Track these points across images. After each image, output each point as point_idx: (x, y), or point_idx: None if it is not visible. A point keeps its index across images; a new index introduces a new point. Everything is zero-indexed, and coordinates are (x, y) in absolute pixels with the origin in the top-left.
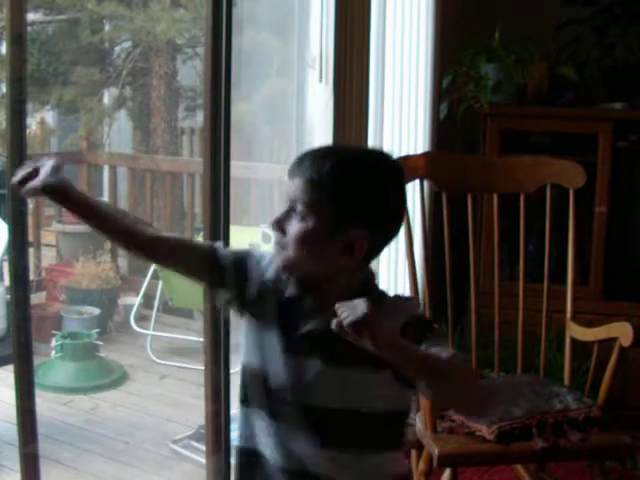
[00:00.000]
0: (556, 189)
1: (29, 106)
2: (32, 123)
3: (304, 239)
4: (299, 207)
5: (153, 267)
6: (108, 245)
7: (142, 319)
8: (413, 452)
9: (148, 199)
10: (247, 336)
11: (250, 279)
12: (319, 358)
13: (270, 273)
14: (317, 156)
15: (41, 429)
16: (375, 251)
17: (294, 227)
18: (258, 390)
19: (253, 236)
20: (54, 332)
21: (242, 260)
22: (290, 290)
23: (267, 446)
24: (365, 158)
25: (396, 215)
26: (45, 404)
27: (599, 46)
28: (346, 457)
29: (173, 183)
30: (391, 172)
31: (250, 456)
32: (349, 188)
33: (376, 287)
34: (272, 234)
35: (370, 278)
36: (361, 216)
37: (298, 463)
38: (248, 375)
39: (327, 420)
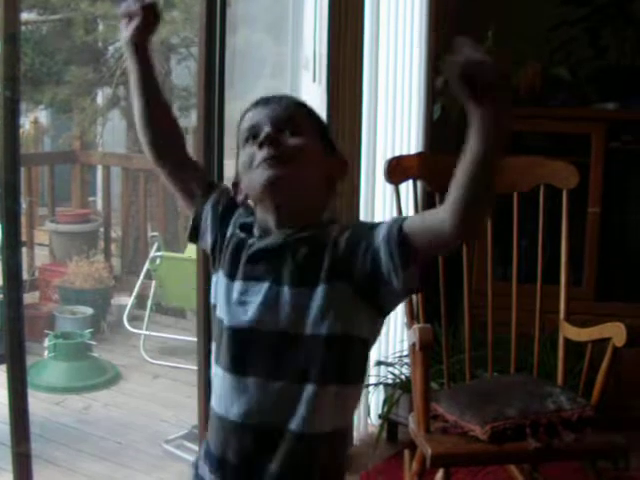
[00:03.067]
0: (549, 189)
1: (23, 105)
2: (26, 122)
3: (307, 151)
4: (288, 125)
5: (146, 267)
6: (101, 245)
7: (135, 319)
8: (406, 452)
9: (141, 199)
10: (214, 287)
11: (228, 226)
12: (269, 278)
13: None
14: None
15: (34, 429)
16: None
17: (295, 140)
18: (219, 339)
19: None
20: (47, 332)
21: (229, 205)
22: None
23: (224, 402)
24: None
25: None
26: (38, 404)
27: (592, 47)
28: (298, 389)
29: None
30: None
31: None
32: (315, 113)
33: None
34: (258, 151)
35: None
36: (333, 148)
37: (252, 413)
38: (215, 327)
39: (279, 346)
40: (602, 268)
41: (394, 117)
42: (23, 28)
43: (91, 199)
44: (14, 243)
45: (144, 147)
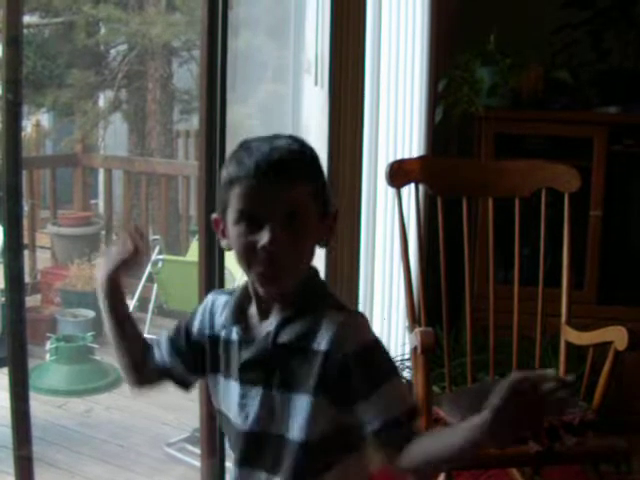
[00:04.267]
0: (551, 193)
1: (25, 108)
2: (27, 125)
3: (310, 242)
4: (288, 219)
5: (148, 270)
6: (103, 248)
7: (137, 322)
8: None
9: (143, 202)
10: (212, 390)
11: (197, 342)
12: (260, 384)
13: (219, 322)
14: (266, 155)
15: (35, 432)
16: None
17: (294, 235)
18: (228, 433)
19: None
20: (49, 335)
21: (182, 334)
22: (230, 327)
23: None
24: (297, 143)
25: None
26: (39, 407)
27: (594, 50)
28: None
29: (168, 186)
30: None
31: None
32: (315, 170)
33: (320, 287)
34: (256, 249)
35: (316, 275)
36: (327, 195)
37: None
38: (223, 423)
39: (278, 447)
40: (604, 271)
41: (396, 120)
42: (25, 31)
43: (93, 202)
44: (16, 246)
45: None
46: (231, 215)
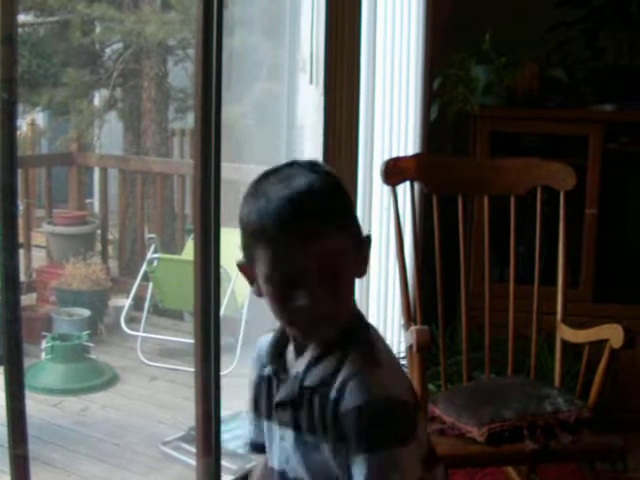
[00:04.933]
0: (546, 191)
1: (20, 107)
2: (23, 124)
3: (350, 284)
4: (327, 278)
5: (143, 269)
6: (98, 247)
7: (132, 321)
8: None
9: (139, 201)
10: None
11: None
12: (292, 425)
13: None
14: (288, 207)
15: (31, 431)
16: None
17: (333, 288)
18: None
19: None
20: (44, 334)
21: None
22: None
23: None
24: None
25: None
26: (35, 405)
27: (589, 48)
28: None
29: (164, 185)
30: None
31: None
32: (345, 208)
33: (358, 329)
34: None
35: (359, 317)
36: (359, 226)
37: None
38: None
39: None
40: (599, 269)
41: (391, 118)
42: (20, 30)
43: (88, 201)
44: (11, 245)
45: None
46: (260, 274)
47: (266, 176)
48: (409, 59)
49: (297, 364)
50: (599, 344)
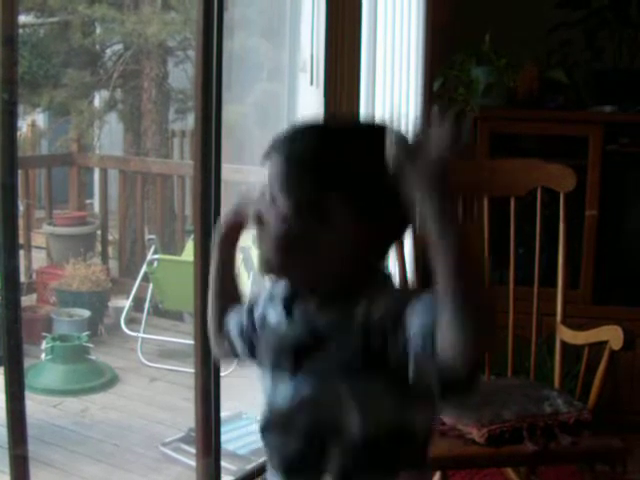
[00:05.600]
0: (546, 192)
1: (20, 108)
2: (23, 125)
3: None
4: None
5: (143, 269)
6: (98, 247)
7: (132, 322)
8: None
9: (139, 201)
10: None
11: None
12: (308, 371)
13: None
14: (277, 156)
15: (31, 431)
16: None
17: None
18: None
19: (243, 239)
20: (44, 334)
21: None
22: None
23: None
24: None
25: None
26: (35, 406)
27: (589, 49)
28: None
29: (164, 185)
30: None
31: None
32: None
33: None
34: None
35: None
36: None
37: None
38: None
39: (324, 445)
40: (599, 271)
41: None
42: (20, 31)
43: (88, 202)
44: (11, 246)
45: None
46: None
47: (301, 125)
48: (409, 60)
49: (305, 310)
50: (599, 346)
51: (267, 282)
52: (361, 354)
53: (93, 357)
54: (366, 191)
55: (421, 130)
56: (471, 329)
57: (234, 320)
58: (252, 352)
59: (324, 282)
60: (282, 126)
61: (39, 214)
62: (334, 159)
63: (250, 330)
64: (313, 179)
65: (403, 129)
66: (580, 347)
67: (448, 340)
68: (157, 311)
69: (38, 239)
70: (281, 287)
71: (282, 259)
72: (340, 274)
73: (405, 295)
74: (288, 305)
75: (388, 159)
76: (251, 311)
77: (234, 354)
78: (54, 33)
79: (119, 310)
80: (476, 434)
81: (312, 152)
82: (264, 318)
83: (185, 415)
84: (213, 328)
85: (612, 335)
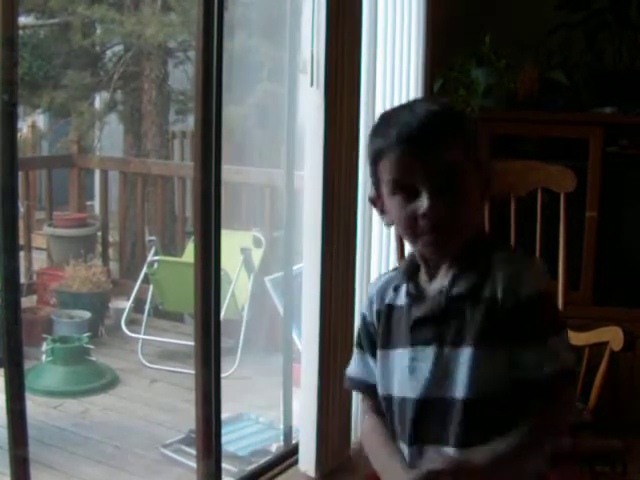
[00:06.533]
0: (547, 193)
1: (20, 109)
2: (23, 126)
3: (471, 200)
4: (446, 185)
5: (144, 271)
6: (99, 249)
7: (133, 323)
8: None
9: (139, 203)
10: (380, 371)
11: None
12: (433, 342)
13: (389, 295)
14: (407, 122)
15: (31, 432)
16: None
17: (453, 197)
18: (393, 414)
19: (244, 241)
20: (45, 336)
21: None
22: (399, 291)
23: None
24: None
25: None
26: (35, 408)
27: (589, 51)
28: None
29: (164, 187)
30: None
31: None
32: (460, 126)
33: (487, 244)
34: (416, 216)
35: (482, 232)
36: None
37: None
38: (388, 407)
39: (443, 414)
40: (599, 272)
41: None
42: (21, 32)
43: (89, 203)
44: (12, 247)
45: None
46: (385, 188)
47: (388, 111)
48: (409, 61)
49: (433, 285)
50: (599, 347)
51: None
52: (484, 326)
53: (93, 358)
54: (477, 148)
55: None
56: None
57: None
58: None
59: (465, 239)
60: (282, 127)
61: (39, 215)
62: (455, 113)
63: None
64: (462, 124)
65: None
66: (580, 348)
67: None
68: (157, 312)
69: (38, 240)
70: (386, 281)
71: (447, 212)
72: (475, 227)
73: (518, 278)
74: (411, 279)
75: None
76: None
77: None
78: (54, 34)
79: (119, 311)
80: None
81: (441, 109)
82: (383, 309)
83: (185, 416)
84: None
85: (612, 336)
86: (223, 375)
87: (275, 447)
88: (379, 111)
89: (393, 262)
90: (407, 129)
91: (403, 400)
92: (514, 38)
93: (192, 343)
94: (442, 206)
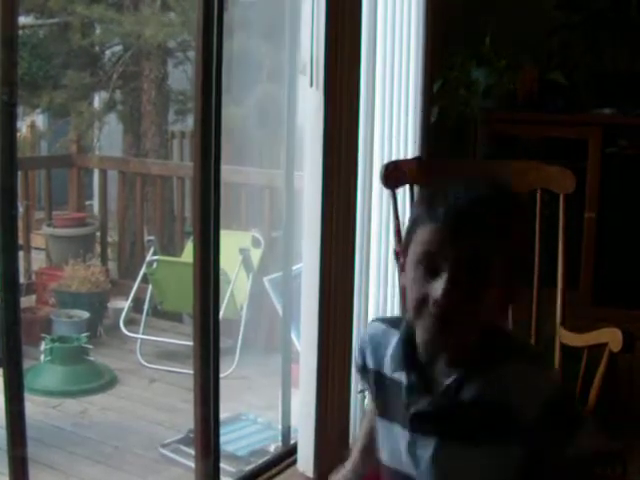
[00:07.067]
0: (546, 194)
1: (20, 109)
2: (22, 126)
3: (490, 299)
4: (471, 275)
5: (143, 271)
6: (98, 249)
7: (131, 323)
8: None
9: (138, 203)
10: (379, 433)
11: (368, 374)
12: (434, 435)
13: (386, 360)
14: (456, 202)
15: (30, 432)
16: None
17: (470, 290)
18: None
19: (243, 241)
20: (43, 335)
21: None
22: (402, 374)
23: None
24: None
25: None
26: (34, 407)
27: (589, 52)
28: None
29: (163, 187)
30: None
31: None
32: (504, 229)
33: (503, 343)
34: (430, 291)
35: (498, 332)
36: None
37: None
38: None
39: None
40: (599, 273)
41: (391, 122)
42: (20, 32)
43: (88, 203)
44: (11, 247)
45: None
46: (411, 255)
47: (454, 184)
48: (409, 62)
49: (436, 373)
50: (598, 348)
51: None
52: (501, 431)
53: (92, 358)
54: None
55: None
56: None
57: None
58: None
59: (473, 339)
60: (282, 128)
61: (38, 215)
62: (508, 213)
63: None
64: (508, 229)
65: None
66: (579, 349)
67: None
68: (156, 312)
69: (37, 240)
70: (389, 338)
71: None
72: (492, 328)
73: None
74: (410, 367)
75: None
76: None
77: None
78: (54, 34)
79: (118, 311)
80: None
81: (496, 204)
82: (379, 370)
83: (184, 416)
84: None
85: (611, 337)
86: (222, 375)
87: (273, 447)
88: (378, 112)
89: (392, 262)
90: (452, 208)
91: (392, 470)
92: (514, 38)
93: (191, 343)
94: (458, 299)
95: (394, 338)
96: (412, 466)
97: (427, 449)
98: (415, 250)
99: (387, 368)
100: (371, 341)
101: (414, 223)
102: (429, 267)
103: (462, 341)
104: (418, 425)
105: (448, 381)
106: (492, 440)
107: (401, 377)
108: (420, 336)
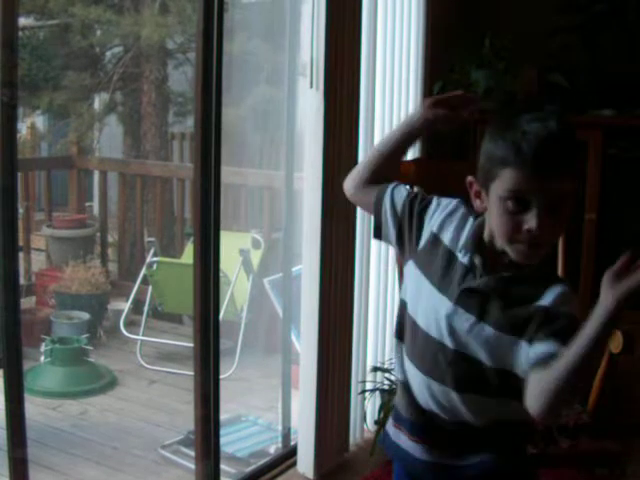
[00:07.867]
0: None
1: (20, 110)
2: (22, 128)
3: (561, 232)
4: (557, 206)
5: (143, 272)
6: (98, 250)
7: (132, 324)
8: None
9: (138, 204)
10: (408, 276)
11: (424, 227)
12: (474, 313)
13: (449, 232)
14: (544, 145)
15: (30, 434)
16: None
17: (555, 223)
18: (409, 332)
19: (243, 242)
20: (43, 337)
21: (420, 206)
22: (465, 256)
23: (413, 383)
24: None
25: None
26: (34, 409)
27: (589, 53)
28: (481, 400)
29: (163, 188)
30: None
31: (404, 387)
32: (579, 166)
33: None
34: (520, 226)
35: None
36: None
37: (433, 404)
38: (403, 314)
39: (471, 369)
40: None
41: (391, 123)
42: (20, 33)
43: (88, 204)
44: (11, 248)
45: (352, 184)
46: (498, 190)
47: (522, 114)
48: (409, 63)
49: (498, 268)
50: None
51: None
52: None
53: (92, 360)
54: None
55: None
56: (555, 405)
57: (390, 199)
58: (398, 239)
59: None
60: (282, 130)
61: (39, 216)
62: (580, 148)
63: (406, 220)
64: (581, 163)
65: None
66: None
67: (534, 395)
68: (156, 314)
69: (37, 241)
70: (462, 216)
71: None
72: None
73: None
74: (480, 252)
75: None
76: (414, 208)
77: (375, 213)
78: (54, 36)
79: (118, 313)
80: None
81: (573, 141)
82: (437, 234)
83: (184, 418)
84: (363, 175)
85: (611, 338)
86: (222, 376)
87: (273, 449)
88: (378, 113)
89: (392, 264)
90: (542, 149)
91: (427, 335)
92: (514, 40)
93: (191, 344)
94: (547, 226)
95: (468, 224)
96: (446, 334)
97: (465, 323)
98: (504, 187)
99: (448, 239)
100: (448, 209)
101: (500, 162)
102: (520, 202)
103: (540, 257)
104: (464, 299)
105: (505, 273)
106: (520, 331)
107: (464, 257)
108: (499, 247)
